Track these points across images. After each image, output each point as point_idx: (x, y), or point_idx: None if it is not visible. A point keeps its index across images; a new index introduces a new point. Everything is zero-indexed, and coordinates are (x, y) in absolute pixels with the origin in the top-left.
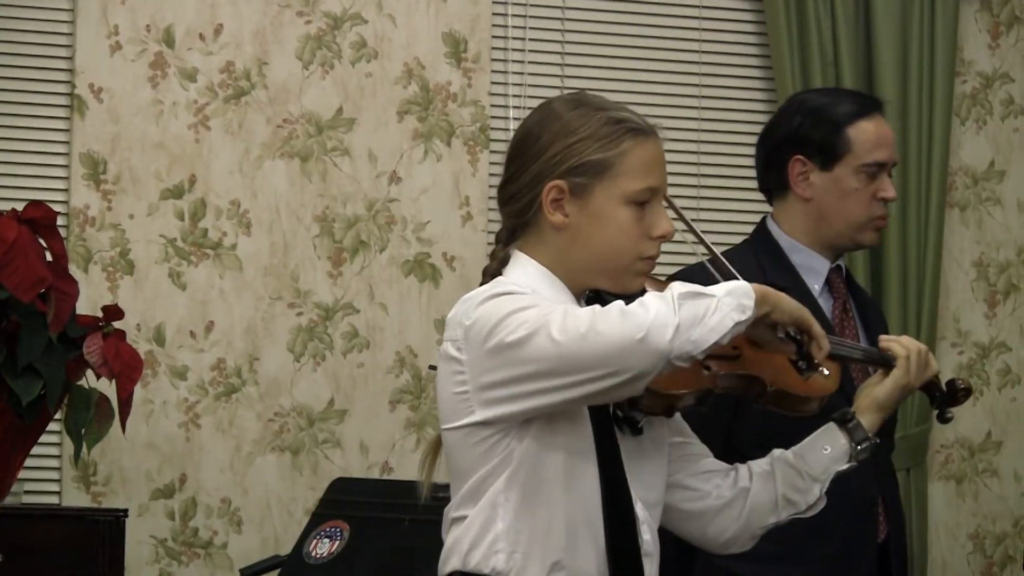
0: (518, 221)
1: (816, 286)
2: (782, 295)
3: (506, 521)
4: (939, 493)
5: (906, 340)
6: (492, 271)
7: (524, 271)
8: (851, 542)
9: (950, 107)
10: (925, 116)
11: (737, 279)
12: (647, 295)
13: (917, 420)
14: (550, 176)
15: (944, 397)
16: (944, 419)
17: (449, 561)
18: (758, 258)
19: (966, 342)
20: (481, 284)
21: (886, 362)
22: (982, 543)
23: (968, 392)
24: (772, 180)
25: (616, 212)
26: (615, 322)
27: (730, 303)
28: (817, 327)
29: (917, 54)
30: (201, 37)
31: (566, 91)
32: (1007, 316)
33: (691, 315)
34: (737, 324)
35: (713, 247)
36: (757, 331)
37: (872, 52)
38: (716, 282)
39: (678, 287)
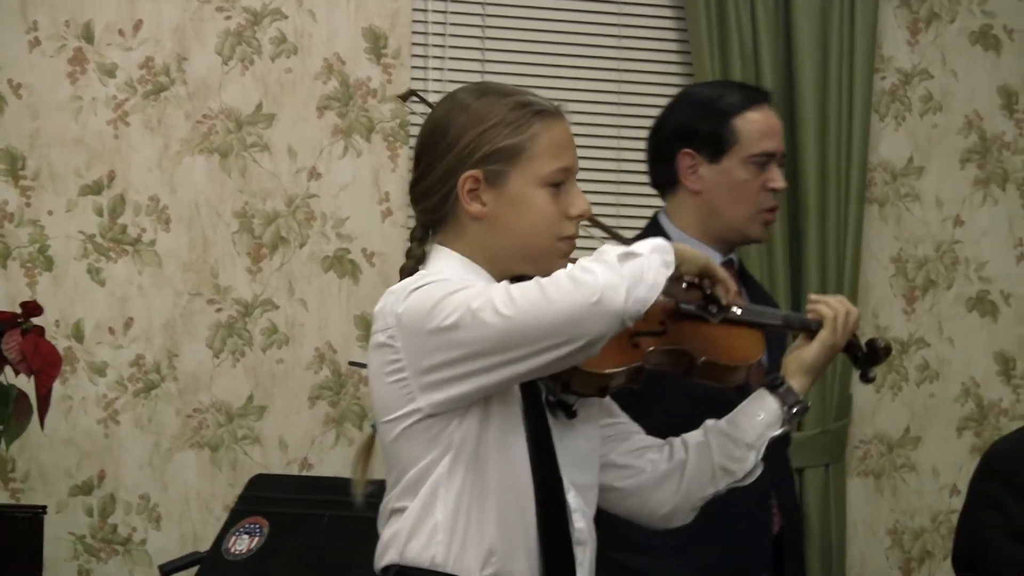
0: (434, 216)
1: None
2: (685, 246)
3: (445, 511)
4: (858, 489)
5: (832, 300)
6: (409, 269)
7: (447, 263)
8: (744, 535)
9: (869, 103)
10: (844, 112)
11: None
12: (582, 259)
13: (836, 415)
14: (464, 167)
15: (866, 356)
16: (867, 379)
17: (387, 554)
18: None
19: (885, 337)
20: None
21: (807, 326)
22: (900, 538)
23: (888, 350)
24: (662, 175)
25: (533, 195)
26: (567, 288)
27: (657, 260)
28: (721, 271)
29: (837, 50)
30: (121, 33)
31: None
32: (925, 312)
33: (632, 274)
34: (666, 280)
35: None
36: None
37: (792, 48)
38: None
39: (610, 248)
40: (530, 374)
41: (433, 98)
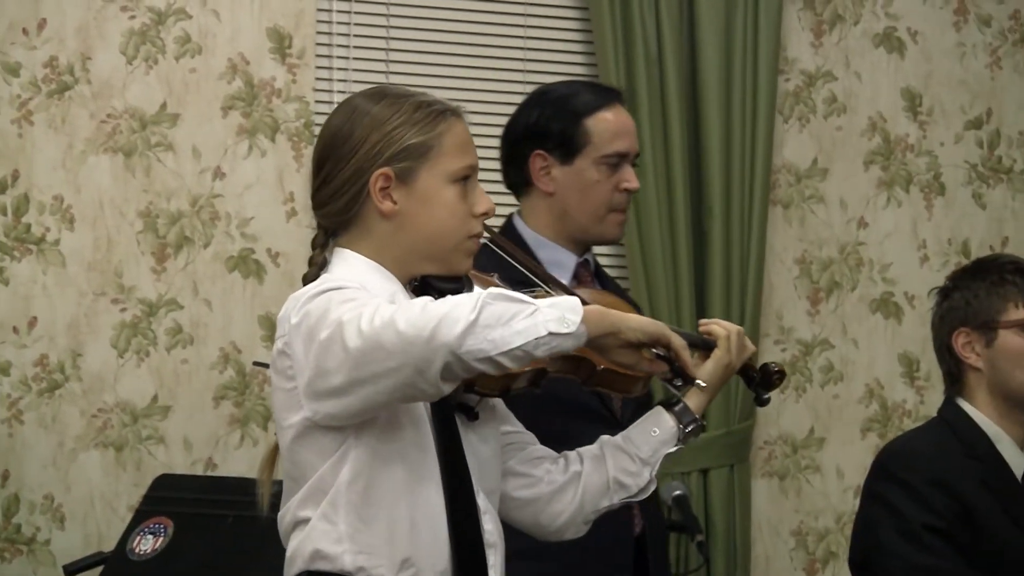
0: (339, 219)
1: (564, 280)
2: (628, 315)
3: (349, 522)
4: (762, 489)
5: (724, 322)
6: (312, 277)
7: (349, 266)
8: (603, 535)
9: (773, 105)
10: (749, 114)
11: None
12: (462, 295)
13: (740, 416)
14: (373, 166)
15: (760, 380)
16: (760, 402)
17: (294, 564)
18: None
19: (789, 339)
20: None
21: (706, 344)
22: (805, 539)
23: (782, 375)
24: (515, 176)
25: (442, 192)
26: (413, 315)
27: (550, 314)
28: (676, 339)
29: (741, 52)
30: (24, 32)
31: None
32: (830, 313)
33: (495, 315)
34: (553, 335)
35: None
36: (620, 356)
37: (696, 50)
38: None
39: (496, 290)
40: (393, 396)
41: (338, 97)
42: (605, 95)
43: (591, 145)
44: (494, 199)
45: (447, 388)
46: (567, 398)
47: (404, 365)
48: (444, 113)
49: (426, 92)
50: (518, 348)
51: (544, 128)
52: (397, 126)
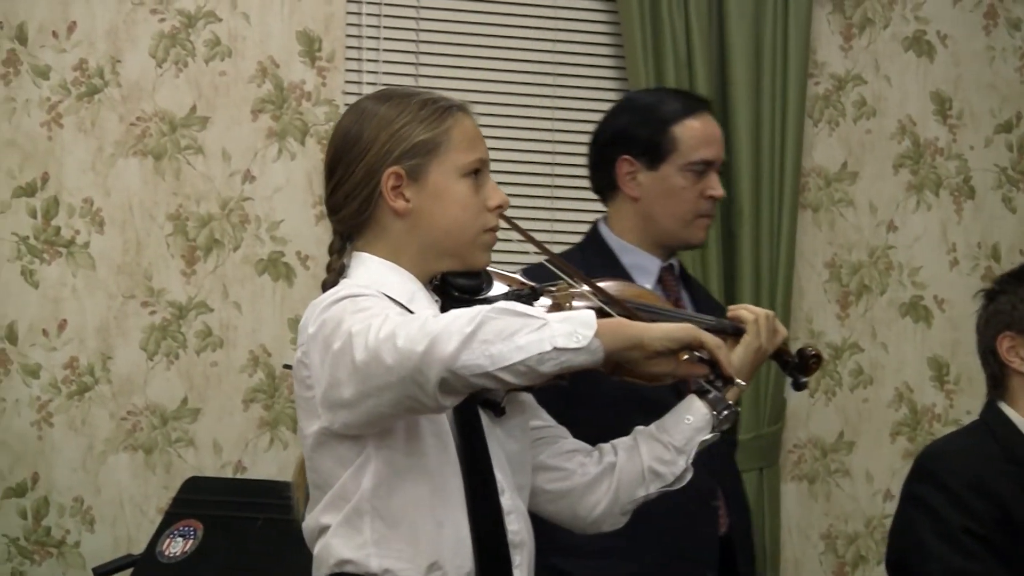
0: (354, 222)
1: (648, 285)
2: (652, 324)
3: (375, 528)
4: (791, 493)
5: (752, 307)
6: (331, 283)
7: (368, 269)
8: (688, 536)
9: (803, 108)
10: (778, 117)
11: (572, 276)
12: (467, 308)
13: (770, 420)
14: (384, 166)
15: (796, 364)
16: (799, 386)
17: (320, 569)
18: (588, 260)
19: (818, 343)
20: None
21: (736, 331)
22: (834, 543)
23: (819, 359)
24: (602, 181)
25: (454, 187)
26: (412, 330)
27: (559, 329)
28: (709, 339)
29: (770, 56)
30: (54, 34)
31: None
32: (859, 317)
33: (495, 329)
34: (560, 350)
35: (547, 246)
36: (652, 367)
37: (725, 53)
38: (553, 278)
39: (504, 304)
40: (393, 410)
41: None
42: (693, 103)
43: (677, 152)
44: (508, 194)
45: (449, 402)
46: (651, 396)
47: (403, 380)
48: (450, 109)
49: (432, 91)
50: (520, 363)
51: (632, 134)
52: (404, 124)
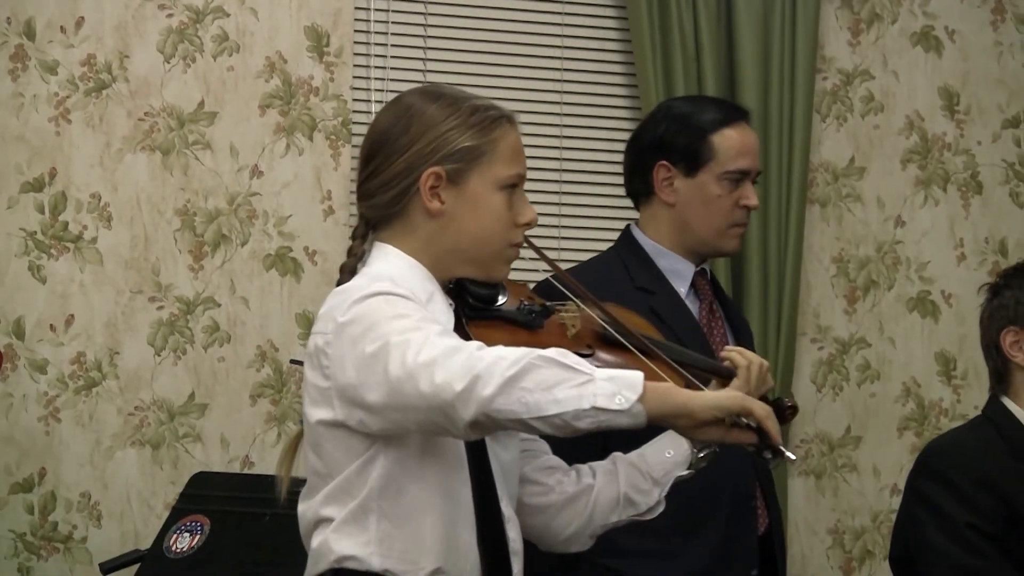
0: (384, 213)
1: (682, 289)
2: (699, 393)
3: (382, 528)
4: (798, 488)
5: (747, 352)
6: (350, 268)
7: (388, 262)
8: (732, 536)
9: (811, 104)
10: (786, 113)
11: (573, 290)
12: (513, 349)
13: None
14: (426, 164)
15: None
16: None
17: (319, 563)
18: (624, 261)
19: (826, 337)
20: (339, 281)
21: (729, 374)
22: (841, 538)
23: (795, 410)
24: (638, 185)
25: (491, 198)
26: (454, 365)
27: (603, 388)
28: (759, 408)
29: (778, 51)
30: (62, 30)
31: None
32: (866, 312)
33: (538, 379)
34: (599, 410)
35: (557, 264)
36: (702, 434)
37: (734, 49)
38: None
39: (555, 352)
40: (416, 428)
41: (375, 96)
42: (733, 113)
43: (715, 160)
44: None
45: (475, 436)
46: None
47: (433, 408)
48: (500, 120)
49: (481, 96)
50: (556, 416)
51: (670, 141)
52: (453, 127)
